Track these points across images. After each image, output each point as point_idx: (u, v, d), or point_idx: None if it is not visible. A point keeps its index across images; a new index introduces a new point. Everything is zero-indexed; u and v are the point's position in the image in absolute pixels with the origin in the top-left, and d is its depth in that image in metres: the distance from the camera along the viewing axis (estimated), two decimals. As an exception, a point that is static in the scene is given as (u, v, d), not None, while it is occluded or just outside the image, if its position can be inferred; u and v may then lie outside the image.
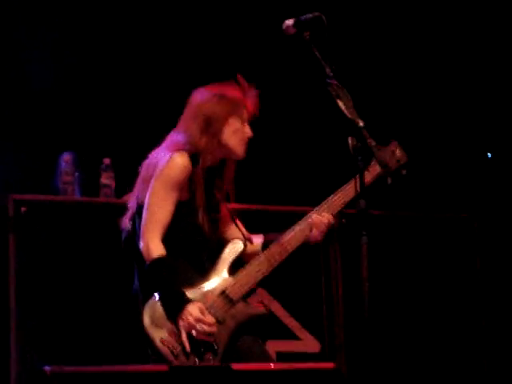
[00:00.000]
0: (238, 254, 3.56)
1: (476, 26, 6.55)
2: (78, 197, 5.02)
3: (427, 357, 5.66)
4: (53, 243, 4.75)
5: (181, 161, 3.46)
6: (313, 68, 3.23)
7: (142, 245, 3.44)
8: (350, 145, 3.20)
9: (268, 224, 4.17)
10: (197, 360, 3.34)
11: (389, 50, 6.48)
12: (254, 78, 3.69)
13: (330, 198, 3.63)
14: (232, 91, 3.58)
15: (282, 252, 3.55)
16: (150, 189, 3.47)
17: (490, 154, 6.86)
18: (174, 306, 3.35)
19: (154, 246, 3.41)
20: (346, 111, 3.13)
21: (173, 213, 3.47)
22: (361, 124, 3.10)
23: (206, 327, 3.32)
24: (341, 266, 5.46)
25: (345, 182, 3.67)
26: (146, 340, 3.38)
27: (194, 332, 3.31)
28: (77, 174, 5.04)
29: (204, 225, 3.52)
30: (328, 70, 3.18)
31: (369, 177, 3.60)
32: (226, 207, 3.71)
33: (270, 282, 5.16)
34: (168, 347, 3.33)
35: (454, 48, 6.51)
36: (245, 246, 3.57)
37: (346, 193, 3.62)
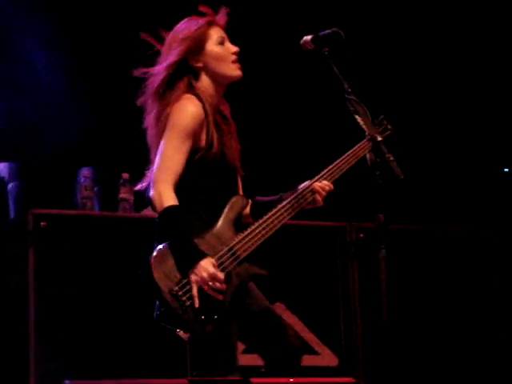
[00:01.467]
0: (242, 207, 3.45)
1: (487, 40, 6.55)
2: (97, 211, 5.04)
3: (445, 372, 5.63)
4: (72, 257, 4.76)
5: (190, 106, 3.36)
6: (331, 83, 3.24)
7: (152, 193, 3.31)
8: (368, 160, 3.21)
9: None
10: (203, 317, 3.24)
11: (402, 67, 6.50)
12: (274, 94, 3.69)
13: (330, 167, 3.49)
14: (186, 26, 3.46)
15: (278, 217, 3.45)
16: (163, 138, 3.36)
17: (506, 169, 6.85)
18: (188, 259, 3.23)
19: (166, 194, 3.28)
20: (364, 126, 3.14)
21: (185, 161, 3.36)
22: (379, 139, 3.10)
23: (218, 284, 3.22)
24: (358, 280, 5.45)
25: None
26: (154, 291, 3.23)
27: (205, 287, 3.23)
28: (96, 188, 5.06)
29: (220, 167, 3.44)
30: (346, 86, 3.19)
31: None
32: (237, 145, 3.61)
33: (288, 297, 5.22)
34: (178, 300, 3.21)
35: (468, 64, 6.51)
36: (247, 201, 3.49)
37: (346, 161, 3.49)
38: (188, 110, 3.34)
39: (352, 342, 5.37)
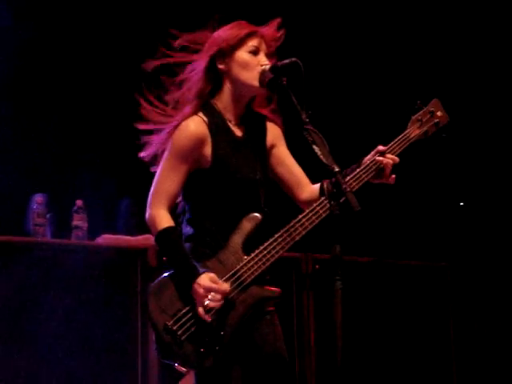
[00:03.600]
0: (254, 226, 3.30)
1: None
2: (49, 238, 4.97)
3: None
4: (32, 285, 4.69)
5: (189, 127, 3.29)
6: (289, 113, 3.23)
7: (147, 217, 3.29)
8: (325, 190, 3.19)
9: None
10: (203, 350, 3.15)
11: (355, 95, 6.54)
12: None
13: (392, 143, 3.45)
14: (229, 29, 3.39)
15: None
16: (162, 158, 3.31)
17: (462, 203, 6.90)
18: (185, 280, 3.17)
19: (159, 217, 3.25)
20: (321, 157, 3.11)
21: (182, 183, 3.29)
22: (336, 169, 3.09)
23: (218, 296, 3.14)
24: (313, 311, 5.43)
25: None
26: (151, 325, 3.19)
27: (208, 303, 3.14)
28: (49, 215, 5.00)
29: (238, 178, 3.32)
30: (304, 116, 3.17)
31: (415, 132, 3.50)
32: (281, 145, 3.49)
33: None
34: (172, 335, 3.15)
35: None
36: (263, 218, 3.31)
37: (408, 135, 3.47)
38: (188, 131, 3.29)
39: (306, 375, 5.33)
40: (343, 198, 3.05)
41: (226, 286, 3.20)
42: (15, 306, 4.66)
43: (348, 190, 3.07)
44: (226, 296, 3.18)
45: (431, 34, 6.68)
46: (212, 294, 3.16)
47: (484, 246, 6.67)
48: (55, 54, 5.85)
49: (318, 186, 3.49)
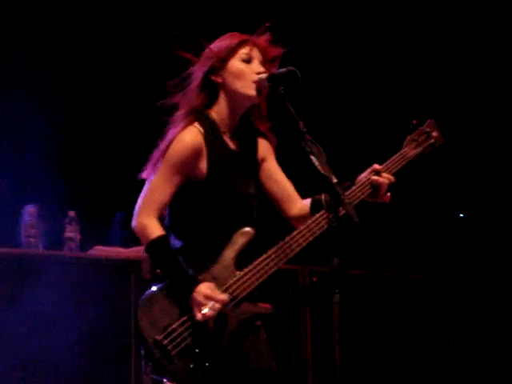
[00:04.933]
0: (247, 241, 3.23)
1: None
2: (41, 250, 4.93)
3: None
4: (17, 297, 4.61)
5: (186, 138, 3.22)
6: (287, 123, 3.17)
7: (134, 224, 3.21)
8: (323, 201, 3.15)
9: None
10: (192, 365, 3.09)
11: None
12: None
13: (387, 162, 3.40)
14: (220, 41, 3.35)
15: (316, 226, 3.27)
16: (156, 168, 3.24)
17: (462, 215, 6.87)
18: (183, 289, 3.12)
19: (150, 226, 3.17)
20: (319, 167, 3.06)
21: (173, 194, 3.22)
22: (334, 180, 3.03)
23: (217, 305, 3.08)
24: (310, 324, 5.38)
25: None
26: (139, 340, 3.12)
27: (207, 311, 3.07)
28: (41, 226, 4.96)
29: (234, 190, 3.26)
30: (301, 125, 3.12)
31: (411, 152, 3.46)
32: (271, 160, 3.43)
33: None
34: (162, 350, 3.08)
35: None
36: (255, 233, 3.24)
37: (404, 155, 3.43)
38: (184, 141, 3.22)
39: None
40: (342, 210, 3.00)
41: (224, 296, 3.14)
42: (6, 319, 4.60)
43: (346, 201, 3.02)
44: (224, 306, 3.12)
45: (426, 51, 6.67)
46: (211, 302, 3.10)
47: (484, 258, 6.64)
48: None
49: (307, 201, 3.43)
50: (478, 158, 6.77)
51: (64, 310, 4.71)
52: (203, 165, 3.25)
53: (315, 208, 3.34)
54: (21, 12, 5.69)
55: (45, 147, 5.53)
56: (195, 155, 3.24)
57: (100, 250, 5.11)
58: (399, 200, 3.49)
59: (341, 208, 3.00)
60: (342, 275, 2.94)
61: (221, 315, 3.14)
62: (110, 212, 5.74)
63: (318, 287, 5.33)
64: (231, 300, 3.16)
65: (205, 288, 3.12)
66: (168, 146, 3.23)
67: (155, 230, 3.19)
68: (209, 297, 3.10)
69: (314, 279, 5.35)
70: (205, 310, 3.10)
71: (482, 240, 6.74)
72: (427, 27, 6.65)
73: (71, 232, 4.96)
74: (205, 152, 3.26)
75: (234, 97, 3.31)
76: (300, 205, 3.43)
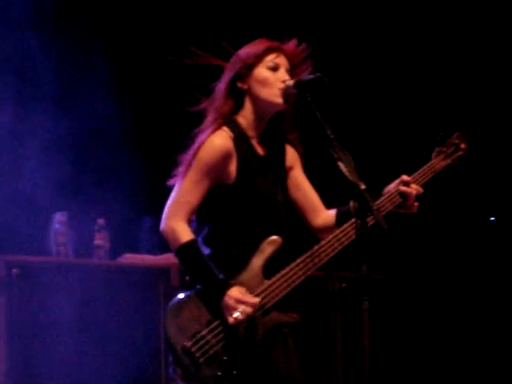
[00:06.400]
0: (275, 250, 3.22)
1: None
2: (71, 258, 4.94)
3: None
4: (47, 306, 4.63)
5: (216, 141, 3.21)
6: (314, 129, 3.16)
7: (163, 228, 3.19)
8: (352, 208, 3.12)
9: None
10: (220, 373, 3.08)
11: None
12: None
13: (416, 173, 3.42)
14: (248, 47, 3.35)
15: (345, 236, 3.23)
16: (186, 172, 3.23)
17: (493, 218, 6.81)
18: (214, 293, 3.11)
19: (180, 230, 3.15)
20: (347, 173, 3.05)
21: (202, 199, 3.20)
22: (362, 187, 3.02)
23: (248, 309, 3.07)
24: (340, 331, 5.37)
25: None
26: (168, 346, 3.13)
27: (238, 315, 3.06)
28: (70, 234, 4.97)
29: (260, 195, 3.25)
30: (329, 132, 3.11)
31: (440, 164, 3.49)
32: (298, 168, 3.43)
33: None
34: (190, 357, 3.08)
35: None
36: (283, 241, 3.23)
37: (432, 167, 3.47)
38: (214, 145, 3.21)
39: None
40: (370, 217, 2.99)
41: (256, 300, 3.13)
42: (34, 327, 4.62)
43: (375, 208, 3.00)
44: (255, 310, 3.11)
45: (456, 65, 6.65)
46: (243, 306, 3.09)
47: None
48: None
49: (333, 212, 3.43)
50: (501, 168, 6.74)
51: (93, 318, 4.73)
52: (233, 168, 3.24)
53: (341, 218, 3.35)
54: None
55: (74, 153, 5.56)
56: (225, 158, 3.23)
57: (129, 258, 5.11)
58: (428, 204, 3.50)
59: (369, 215, 2.99)
60: (372, 282, 2.92)
61: (249, 323, 3.13)
62: (140, 219, 5.75)
63: (348, 293, 5.32)
64: (259, 308, 3.15)
65: (236, 292, 3.11)
66: (198, 150, 3.22)
67: (185, 233, 3.18)
68: (240, 300, 3.09)
69: (344, 285, 5.34)
70: (236, 314, 3.09)
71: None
72: (460, 43, 6.63)
73: (100, 240, 4.97)
74: (234, 156, 3.25)
75: (259, 104, 3.31)
76: (325, 215, 3.43)
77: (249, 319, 3.11)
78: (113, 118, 5.62)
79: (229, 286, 3.12)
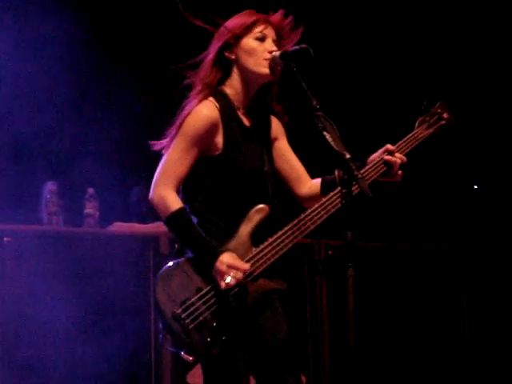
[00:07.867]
0: (263, 218, 3.26)
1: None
2: (62, 227, 4.98)
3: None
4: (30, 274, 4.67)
5: (203, 111, 3.25)
6: (300, 100, 3.21)
7: (152, 196, 3.23)
8: (337, 177, 3.14)
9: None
10: (209, 339, 3.12)
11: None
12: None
13: (400, 142, 3.48)
14: (236, 18, 3.39)
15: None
16: (173, 141, 3.26)
17: (476, 186, 6.87)
18: (206, 259, 3.14)
19: (169, 198, 3.19)
20: (332, 143, 3.09)
21: (190, 168, 3.25)
22: (347, 156, 3.06)
23: (239, 274, 3.12)
24: (326, 297, 5.42)
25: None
26: (158, 313, 3.16)
27: (230, 280, 3.10)
28: (61, 203, 5.00)
29: (246, 166, 3.28)
30: (315, 102, 3.14)
31: (423, 133, 3.54)
32: (283, 139, 3.48)
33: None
34: (180, 323, 3.12)
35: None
36: (271, 209, 3.28)
37: (416, 136, 3.52)
38: (201, 115, 3.25)
39: (319, 360, 5.32)
40: (355, 185, 3.04)
41: (247, 265, 3.18)
42: (26, 295, 4.66)
43: (359, 176, 3.05)
44: (246, 276, 3.16)
45: (439, 34, 6.66)
46: (234, 271, 3.14)
47: (498, 229, 6.64)
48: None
49: (318, 181, 3.48)
50: (489, 134, 6.77)
51: (82, 286, 4.75)
52: (219, 139, 3.28)
53: (326, 187, 3.40)
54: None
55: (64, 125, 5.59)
56: (212, 128, 3.26)
57: (119, 227, 5.13)
58: (413, 173, 3.54)
59: (354, 184, 3.03)
60: (356, 249, 2.97)
61: (239, 289, 3.17)
62: (129, 188, 5.76)
63: (334, 260, 5.37)
64: (248, 276, 3.19)
65: (228, 257, 3.15)
66: (185, 119, 3.26)
67: (174, 202, 3.21)
68: (232, 266, 3.13)
69: (330, 252, 5.39)
70: (228, 279, 3.13)
71: (495, 211, 6.74)
72: (444, 14, 6.65)
73: (90, 209, 5.00)
74: (221, 126, 3.28)
75: (246, 74, 3.35)
76: (310, 184, 3.48)
77: (238, 285, 3.15)
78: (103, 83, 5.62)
79: (220, 252, 3.16)
